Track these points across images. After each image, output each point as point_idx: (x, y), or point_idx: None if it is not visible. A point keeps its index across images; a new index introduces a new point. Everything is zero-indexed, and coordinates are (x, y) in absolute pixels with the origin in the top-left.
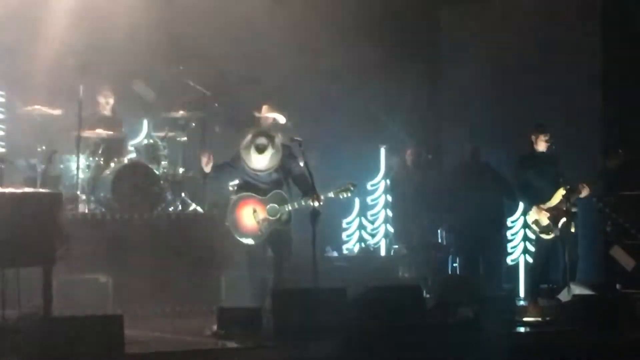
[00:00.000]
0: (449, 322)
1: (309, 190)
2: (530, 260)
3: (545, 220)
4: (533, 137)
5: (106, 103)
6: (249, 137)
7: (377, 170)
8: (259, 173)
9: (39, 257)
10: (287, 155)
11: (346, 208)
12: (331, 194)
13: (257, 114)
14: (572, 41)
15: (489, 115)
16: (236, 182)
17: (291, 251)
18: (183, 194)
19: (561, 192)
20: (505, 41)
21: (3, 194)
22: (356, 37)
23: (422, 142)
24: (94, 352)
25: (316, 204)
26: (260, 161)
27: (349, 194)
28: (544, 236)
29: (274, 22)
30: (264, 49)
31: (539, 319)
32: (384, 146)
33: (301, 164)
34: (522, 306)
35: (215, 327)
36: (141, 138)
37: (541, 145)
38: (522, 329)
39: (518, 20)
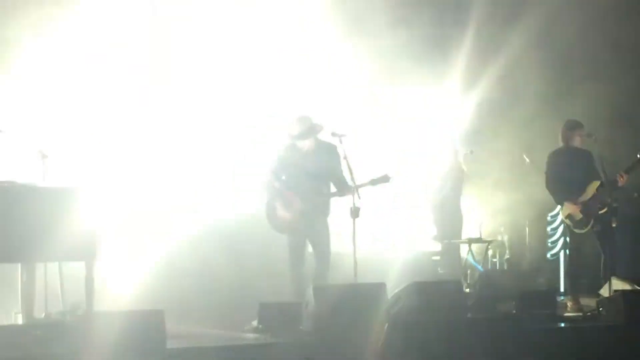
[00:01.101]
0: (490, 317)
1: (345, 189)
2: None
3: (578, 215)
4: (568, 133)
5: None
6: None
7: None
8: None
9: (81, 252)
10: (332, 154)
11: None
12: (367, 184)
13: None
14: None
15: (536, 108)
16: None
17: (329, 245)
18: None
19: (595, 186)
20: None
21: (45, 188)
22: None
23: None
24: (135, 347)
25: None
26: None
27: (386, 184)
28: (577, 231)
29: None
30: None
31: (580, 314)
32: None
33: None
34: (563, 301)
35: (255, 322)
36: None
37: (576, 141)
38: (562, 324)
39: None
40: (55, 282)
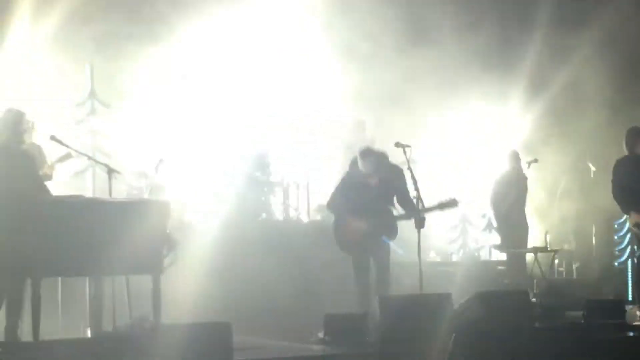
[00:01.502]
0: (557, 326)
1: (412, 213)
2: None
3: None
4: (633, 140)
5: None
6: None
7: None
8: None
9: (147, 265)
10: (397, 176)
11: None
12: (436, 209)
13: None
14: None
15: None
16: None
17: (389, 262)
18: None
19: None
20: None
21: (112, 202)
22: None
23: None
24: (202, 358)
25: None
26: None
27: (454, 208)
28: None
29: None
30: None
31: None
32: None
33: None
34: (632, 310)
35: (321, 334)
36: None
37: None
38: (631, 334)
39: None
40: (123, 295)
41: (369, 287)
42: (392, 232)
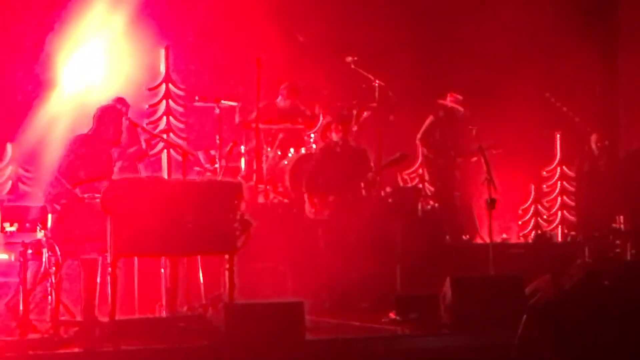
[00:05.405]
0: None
1: None
2: None
3: None
4: None
5: (284, 95)
6: None
7: (553, 157)
8: None
9: (222, 245)
10: None
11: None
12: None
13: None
14: None
15: None
16: None
17: None
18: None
19: None
20: None
21: (188, 182)
22: (531, 21)
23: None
24: (275, 338)
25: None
26: None
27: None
28: None
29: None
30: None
31: None
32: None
33: None
34: None
35: (393, 314)
36: (315, 129)
37: None
38: None
39: None
40: (197, 275)
41: None
42: None
